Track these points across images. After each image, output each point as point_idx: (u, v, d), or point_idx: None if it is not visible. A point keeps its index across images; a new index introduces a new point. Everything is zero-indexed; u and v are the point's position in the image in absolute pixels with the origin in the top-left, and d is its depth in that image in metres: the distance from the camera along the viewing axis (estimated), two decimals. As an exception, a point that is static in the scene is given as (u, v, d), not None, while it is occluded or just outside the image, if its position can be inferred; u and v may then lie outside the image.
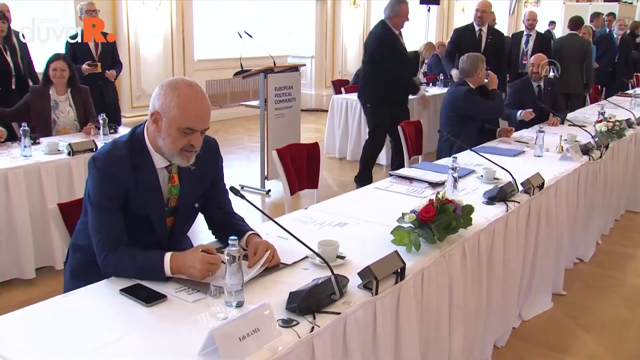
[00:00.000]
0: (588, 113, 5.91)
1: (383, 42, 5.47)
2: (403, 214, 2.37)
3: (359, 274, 1.97)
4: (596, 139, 4.30)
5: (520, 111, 5.20)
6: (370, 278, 1.95)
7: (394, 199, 3.03)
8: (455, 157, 2.97)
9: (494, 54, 6.42)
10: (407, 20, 5.60)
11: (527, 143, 4.40)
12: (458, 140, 3.45)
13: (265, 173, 5.81)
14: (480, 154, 3.41)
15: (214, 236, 2.44)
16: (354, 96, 6.76)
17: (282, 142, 4.95)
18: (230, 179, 6.41)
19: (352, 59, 11.40)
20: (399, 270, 2.07)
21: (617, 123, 4.61)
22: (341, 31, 11.13)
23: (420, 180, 3.28)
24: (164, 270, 2.01)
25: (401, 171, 3.46)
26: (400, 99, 5.64)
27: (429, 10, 12.66)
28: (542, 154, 4.02)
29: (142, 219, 2.18)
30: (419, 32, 12.77)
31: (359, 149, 6.75)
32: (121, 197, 2.11)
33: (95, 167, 2.11)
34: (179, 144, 2.09)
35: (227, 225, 2.35)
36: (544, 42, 7.35)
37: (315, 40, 10.94)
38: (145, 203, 2.17)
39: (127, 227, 2.14)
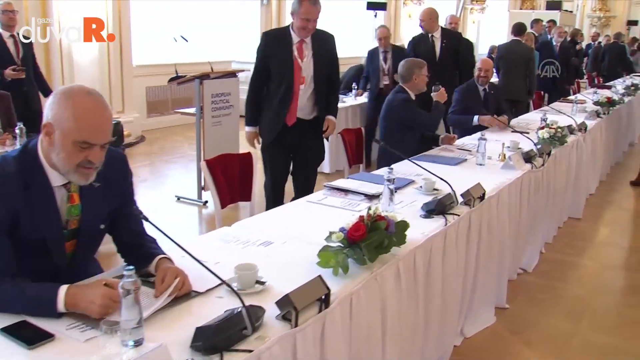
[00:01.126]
0: (531, 119, 5.86)
1: None
2: (331, 233, 2.17)
3: (276, 303, 1.75)
4: (538, 146, 4.22)
5: (476, 116, 5.14)
6: (289, 308, 1.74)
7: (327, 213, 2.83)
8: (392, 169, 2.79)
9: (452, 57, 6.39)
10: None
11: (470, 151, 4.27)
12: (396, 151, 3.27)
13: (202, 183, 5.55)
14: (418, 164, 3.24)
15: (123, 260, 2.19)
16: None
17: (220, 150, 4.73)
18: (168, 189, 6.16)
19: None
20: (323, 297, 1.86)
21: (559, 130, 4.54)
22: (286, 36, 10.91)
23: (356, 192, 3.09)
24: (56, 305, 1.74)
25: (336, 182, 3.26)
26: None
27: (375, 16, 12.59)
28: (485, 162, 3.90)
29: (37, 244, 1.92)
30: (366, 38, 12.68)
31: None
32: (7, 219, 1.84)
33: None
34: (75, 159, 1.84)
35: (137, 249, 2.12)
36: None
37: (260, 45, 10.69)
38: (39, 225, 1.91)
39: (20, 253, 1.87)
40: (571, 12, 18.24)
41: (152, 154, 7.97)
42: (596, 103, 6.79)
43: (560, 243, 4.73)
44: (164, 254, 2.08)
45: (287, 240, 2.43)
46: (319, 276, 1.89)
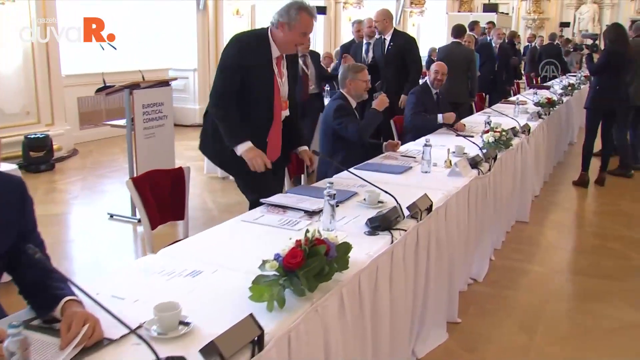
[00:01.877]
0: (474, 122, 5.78)
1: None
2: (264, 261, 1.93)
3: (200, 351, 1.51)
4: (484, 151, 4.10)
5: (440, 115, 5.13)
6: (214, 356, 1.49)
7: (263, 233, 2.59)
8: (332, 183, 2.57)
9: (400, 59, 6.32)
10: None
11: (414, 157, 4.11)
12: (335, 161, 3.07)
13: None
14: (359, 176, 3.03)
15: (25, 302, 1.89)
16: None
17: (154, 163, 4.44)
18: (100, 206, 5.78)
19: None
20: (255, 339, 1.63)
21: (503, 133, 4.44)
22: (224, 42, 10.61)
23: (295, 208, 2.86)
24: None
25: (274, 198, 3.02)
26: None
27: (315, 20, 12.41)
28: (430, 169, 3.74)
29: None
30: (308, 42, 12.51)
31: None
32: None
33: None
34: None
35: (40, 291, 1.81)
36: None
37: (198, 52, 10.37)
38: None
39: None
40: (507, 14, 18.56)
41: (85, 168, 7.53)
42: (537, 104, 6.80)
43: (509, 249, 4.63)
44: (73, 294, 1.79)
45: (218, 268, 2.17)
46: (250, 315, 1.65)
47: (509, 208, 4.82)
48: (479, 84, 8.60)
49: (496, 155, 4.16)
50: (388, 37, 6.47)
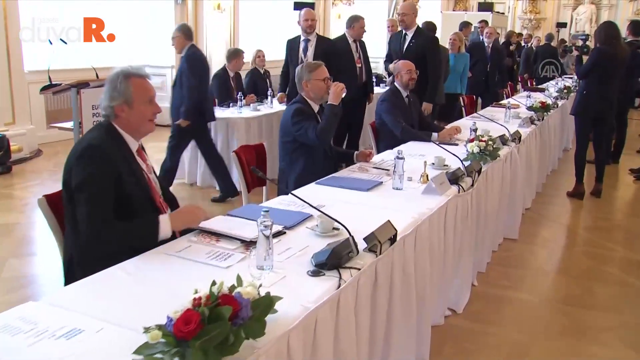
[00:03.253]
0: (462, 126, 5.25)
1: None
2: (146, 329, 1.45)
3: None
4: (467, 163, 3.62)
5: (435, 134, 4.67)
6: None
7: (182, 271, 2.09)
8: (267, 210, 2.07)
9: (420, 59, 5.68)
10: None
11: (388, 170, 3.62)
12: (284, 185, 2.58)
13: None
14: (306, 201, 2.49)
15: None
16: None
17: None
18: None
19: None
20: None
21: (490, 142, 3.96)
22: (205, 38, 10.09)
23: (230, 236, 2.37)
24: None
25: (210, 222, 2.52)
26: None
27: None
28: (402, 185, 3.25)
29: None
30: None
31: (209, 174, 5.91)
32: None
33: None
34: None
35: None
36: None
37: (175, 48, 9.83)
38: None
39: None
40: (503, 13, 18.10)
41: (45, 171, 7.01)
42: (530, 108, 6.33)
43: (495, 272, 4.14)
44: None
45: (105, 325, 1.67)
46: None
47: (495, 225, 4.34)
48: (470, 85, 8.13)
49: (480, 169, 3.67)
50: (410, 34, 6.04)
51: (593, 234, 5.18)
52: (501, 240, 4.66)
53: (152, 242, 2.29)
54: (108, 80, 2.53)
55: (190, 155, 6.15)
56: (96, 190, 2.30)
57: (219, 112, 6.06)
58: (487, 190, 3.94)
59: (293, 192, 2.92)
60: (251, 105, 6.45)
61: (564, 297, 3.87)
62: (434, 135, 4.68)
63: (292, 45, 6.26)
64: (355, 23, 6.23)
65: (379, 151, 4.81)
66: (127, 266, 2.09)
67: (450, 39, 7.20)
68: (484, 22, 10.11)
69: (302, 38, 6.15)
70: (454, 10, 18.09)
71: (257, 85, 7.56)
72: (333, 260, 2.08)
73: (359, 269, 2.13)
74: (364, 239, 2.26)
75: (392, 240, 2.40)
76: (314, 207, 2.40)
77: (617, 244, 4.94)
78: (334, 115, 3.63)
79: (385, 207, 2.87)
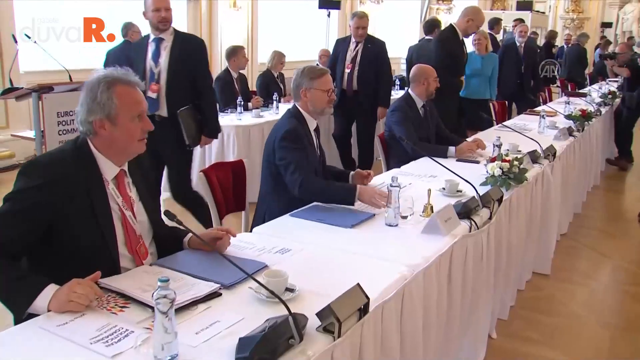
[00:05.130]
0: (487, 139, 4.49)
1: None
2: None
3: None
4: (487, 188, 2.93)
5: (452, 148, 3.97)
6: None
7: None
8: (167, 280, 1.42)
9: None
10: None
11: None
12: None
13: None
14: (238, 263, 1.85)
15: None
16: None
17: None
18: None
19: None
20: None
21: (515, 163, 3.25)
22: (219, 36, 9.52)
23: (142, 302, 1.73)
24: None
25: (109, 280, 1.88)
26: None
27: (328, 15, 11.34)
28: (398, 221, 2.57)
29: None
30: (319, 39, 11.40)
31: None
32: None
33: None
34: None
35: None
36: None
37: (188, 47, 9.30)
38: None
39: None
40: (543, 13, 17.14)
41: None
42: (569, 117, 5.54)
43: (520, 320, 3.39)
44: None
45: None
46: None
47: (520, 261, 3.61)
48: (502, 90, 7.33)
49: (501, 197, 2.96)
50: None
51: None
52: (529, 277, 3.91)
53: (19, 312, 1.68)
54: (86, 87, 1.94)
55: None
56: (10, 210, 1.82)
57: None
58: (510, 220, 3.23)
59: (257, 227, 2.31)
60: (253, 111, 5.81)
61: (605, 357, 3.12)
62: (451, 149, 3.97)
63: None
64: (350, 22, 5.89)
65: (388, 167, 4.15)
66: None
67: (475, 39, 6.43)
68: (519, 20, 9.27)
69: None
70: (491, 10, 17.21)
71: (269, 88, 6.97)
72: (262, 354, 1.43)
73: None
74: (317, 314, 1.60)
75: (363, 311, 1.73)
76: (250, 275, 1.74)
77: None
78: (339, 202, 2.81)
79: (368, 255, 2.20)
